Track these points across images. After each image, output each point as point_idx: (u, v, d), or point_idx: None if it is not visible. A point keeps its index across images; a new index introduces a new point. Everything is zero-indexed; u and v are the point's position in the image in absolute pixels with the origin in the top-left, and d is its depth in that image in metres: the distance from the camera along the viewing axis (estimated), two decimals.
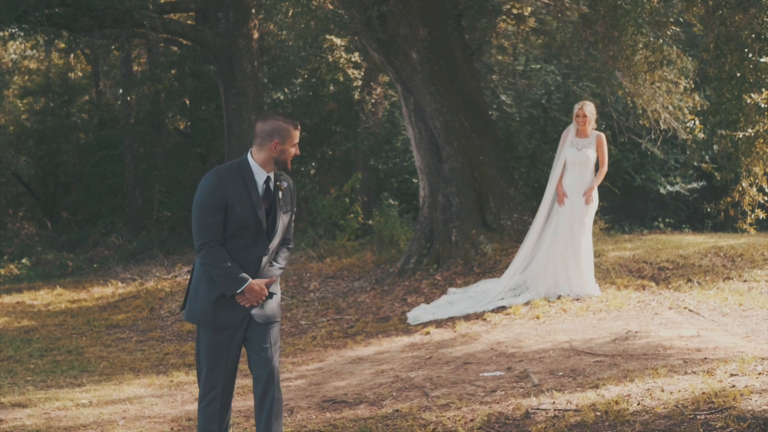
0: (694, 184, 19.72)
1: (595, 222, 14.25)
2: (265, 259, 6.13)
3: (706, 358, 8.48)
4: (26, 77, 31.54)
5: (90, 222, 26.13)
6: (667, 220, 19.71)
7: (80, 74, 31.90)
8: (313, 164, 22.76)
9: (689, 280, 12.47)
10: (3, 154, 30.16)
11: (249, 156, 6.05)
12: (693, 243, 15.00)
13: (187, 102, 25.88)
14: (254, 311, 6.10)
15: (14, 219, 29.15)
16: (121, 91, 27.87)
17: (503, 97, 19.50)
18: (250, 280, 6.01)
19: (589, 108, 11.92)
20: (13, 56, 32.81)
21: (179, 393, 9.30)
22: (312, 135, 22.44)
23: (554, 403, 7.32)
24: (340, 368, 9.91)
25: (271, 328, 6.16)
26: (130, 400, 9.10)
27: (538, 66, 20.03)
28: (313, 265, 16.40)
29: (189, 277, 6.28)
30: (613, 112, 15.76)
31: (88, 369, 10.91)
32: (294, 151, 6.04)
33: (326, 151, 22.43)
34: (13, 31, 22.31)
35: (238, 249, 6.01)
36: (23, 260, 21.77)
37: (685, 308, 11.01)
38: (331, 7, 15.68)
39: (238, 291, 5.96)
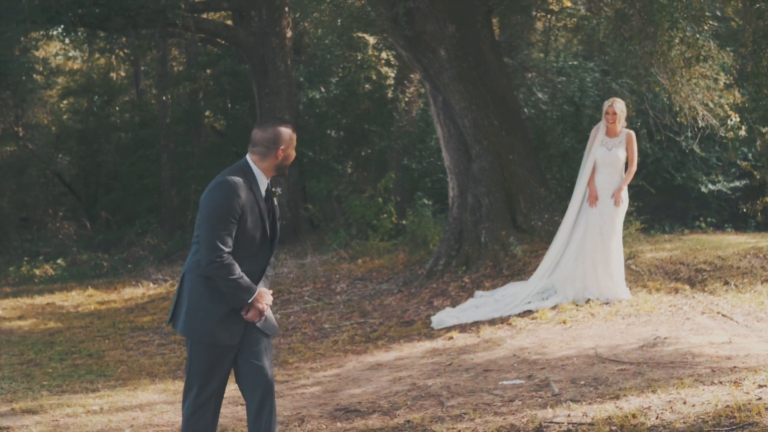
0: (737, 183, 19.20)
1: (630, 222, 13.89)
2: (268, 268, 5.94)
3: (735, 367, 8.12)
4: (69, 78, 31.66)
5: (128, 222, 26.13)
6: (708, 219, 19.21)
7: (123, 74, 31.99)
8: (350, 164, 22.55)
9: (726, 283, 12.07)
10: (44, 153, 30.32)
11: (252, 163, 5.83)
12: (733, 243, 14.59)
13: (228, 102, 25.81)
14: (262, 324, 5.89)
15: (54, 219, 29.28)
16: (155, 90, 27.84)
17: (539, 95, 19.12)
18: (258, 288, 5.79)
19: (620, 105, 11.54)
20: (59, 57, 33.01)
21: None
22: (347, 134, 22.23)
23: (569, 416, 7.00)
24: (357, 375, 9.66)
25: (265, 337, 5.92)
26: (141, 407, 8.91)
27: (576, 63, 19.62)
28: (344, 266, 16.18)
29: (178, 288, 5.98)
30: (650, 109, 15.35)
31: (106, 373, 10.76)
32: (294, 154, 5.91)
33: (362, 150, 22.18)
34: (55, 32, 22.38)
35: (243, 259, 5.78)
36: (58, 260, 21.76)
37: (718, 313, 10.63)
38: (358, 3, 15.41)
39: (249, 300, 5.74)
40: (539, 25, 20.37)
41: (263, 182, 5.84)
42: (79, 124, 30.13)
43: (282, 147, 5.82)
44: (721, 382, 7.55)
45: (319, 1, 15.66)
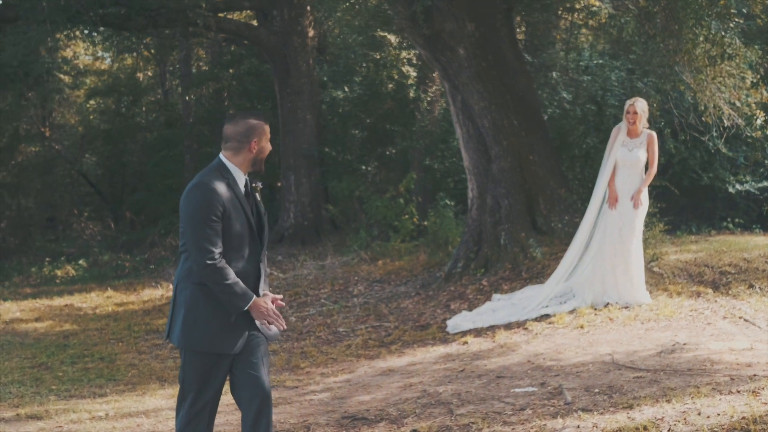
0: (765, 183, 18.81)
1: (653, 224, 13.61)
2: (262, 267, 5.75)
3: (755, 375, 7.85)
4: (97, 78, 31.68)
5: (152, 222, 26.06)
6: (736, 220, 18.84)
7: (150, 74, 31.98)
8: (374, 164, 22.34)
9: (751, 286, 11.79)
10: (71, 154, 30.34)
11: (225, 160, 5.65)
12: (760, 245, 14.29)
13: (256, 102, 25.69)
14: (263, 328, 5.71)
15: (79, 219, 29.28)
16: (180, 90, 27.78)
17: (564, 94, 18.81)
18: (254, 296, 5.61)
19: (641, 105, 11.26)
20: (87, 57, 33.05)
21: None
22: (371, 134, 22.03)
23: (579, 427, 6.77)
24: (368, 380, 9.46)
25: (261, 345, 5.72)
26: (147, 413, 8.77)
27: (602, 61, 19.29)
28: (364, 268, 15.98)
29: (172, 300, 5.78)
30: (674, 108, 15.03)
31: (116, 378, 10.62)
32: (269, 147, 5.73)
33: (385, 150, 21.96)
34: (82, 33, 22.34)
35: (235, 260, 5.60)
36: (80, 261, 21.71)
37: (740, 318, 10.34)
38: (374, 2, 15.18)
39: (245, 308, 5.55)
40: (563, 23, 20.08)
41: (241, 178, 5.65)
42: (106, 124, 30.15)
43: (255, 139, 5.64)
44: (739, 391, 7.31)
45: (339, 0, 15.44)
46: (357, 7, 14.87)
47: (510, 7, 14.30)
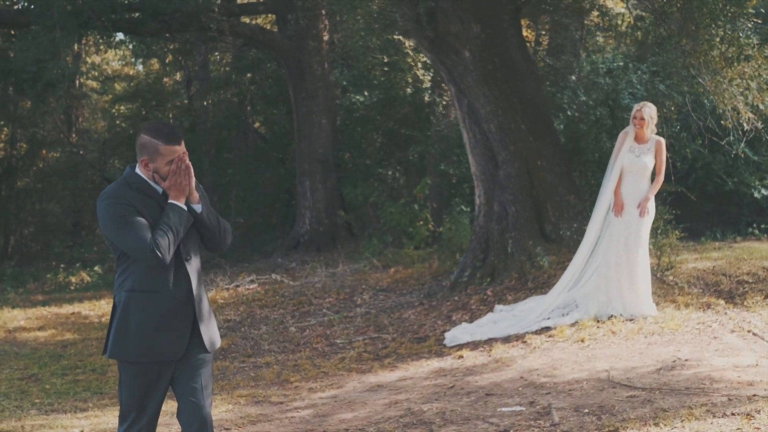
0: None
1: (669, 231, 13.14)
2: (188, 265, 5.24)
3: (754, 395, 7.40)
4: (126, 84, 31.64)
5: None
6: (762, 226, 18.31)
7: (178, 78, 31.90)
8: (393, 169, 22.01)
9: (767, 297, 11.30)
10: (96, 159, 30.29)
11: (137, 168, 5.21)
12: None
13: (274, 106, 25.47)
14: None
15: None
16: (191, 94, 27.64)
17: (583, 98, 18.35)
18: (175, 202, 5.11)
19: (649, 110, 10.78)
20: (119, 63, 33.06)
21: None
22: (389, 138, 21.72)
23: None
24: (355, 397, 9.09)
25: (203, 367, 5.36)
26: None
27: (622, 64, 18.81)
28: (374, 276, 15.64)
29: (111, 315, 5.40)
30: (692, 112, 14.55)
31: (103, 390, 10.34)
32: (167, 169, 5.09)
33: (405, 155, 21.62)
34: (94, 39, 22.17)
35: (153, 268, 5.15)
36: (95, 268, 21.55)
37: (748, 331, 9.86)
38: (377, 5, 14.83)
39: (182, 206, 5.10)
40: (583, 25, 19.64)
41: (154, 184, 5.18)
42: (132, 128, 30.09)
43: (145, 158, 5.11)
44: (733, 414, 6.87)
45: (348, 6, 15.10)
46: (359, 9, 14.50)
47: (517, 8, 13.88)
